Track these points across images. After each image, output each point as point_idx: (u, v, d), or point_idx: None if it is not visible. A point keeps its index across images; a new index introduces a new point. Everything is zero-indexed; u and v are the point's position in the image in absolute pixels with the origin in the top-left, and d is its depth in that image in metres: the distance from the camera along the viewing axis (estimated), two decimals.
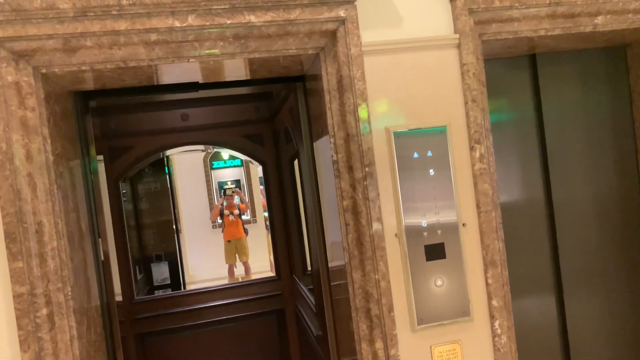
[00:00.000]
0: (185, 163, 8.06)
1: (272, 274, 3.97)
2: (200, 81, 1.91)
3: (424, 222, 1.66)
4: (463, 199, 1.70)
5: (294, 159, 3.07)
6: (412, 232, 1.65)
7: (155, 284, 4.98)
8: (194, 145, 3.88)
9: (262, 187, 7.61)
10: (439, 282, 1.66)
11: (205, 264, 7.79)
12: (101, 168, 2.12)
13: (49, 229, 1.45)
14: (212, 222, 8.02)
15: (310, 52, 1.64)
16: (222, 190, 7.61)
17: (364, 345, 1.65)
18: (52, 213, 1.46)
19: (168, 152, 4.04)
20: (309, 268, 2.85)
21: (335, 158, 1.64)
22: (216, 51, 1.56)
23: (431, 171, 1.66)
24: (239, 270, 7.37)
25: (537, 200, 2.07)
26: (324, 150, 1.77)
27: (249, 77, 1.91)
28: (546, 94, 2.05)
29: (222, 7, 1.49)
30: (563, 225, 2.06)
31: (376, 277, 1.62)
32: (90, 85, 1.73)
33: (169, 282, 5.07)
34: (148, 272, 4.95)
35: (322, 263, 2.05)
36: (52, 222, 1.46)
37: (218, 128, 3.62)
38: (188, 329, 3.61)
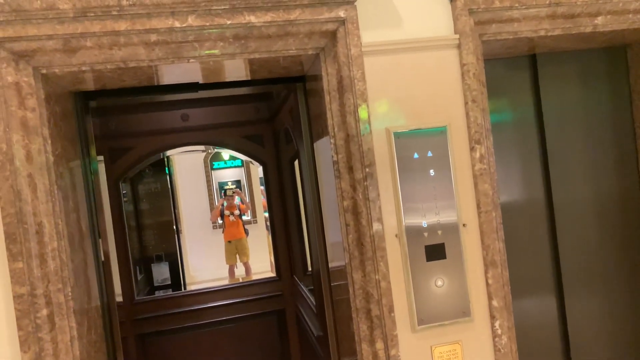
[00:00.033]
0: (186, 163, 8.05)
1: (272, 274, 3.97)
2: (200, 81, 1.91)
3: (424, 223, 1.66)
4: (463, 199, 1.70)
5: (294, 160, 3.07)
6: (413, 233, 1.65)
7: (155, 284, 4.98)
8: (194, 146, 3.88)
9: (262, 187, 7.62)
10: (439, 283, 1.66)
11: (205, 265, 7.77)
12: (101, 168, 2.12)
13: (49, 229, 1.45)
14: (213, 223, 8.01)
15: (310, 52, 1.64)
16: (223, 191, 7.59)
17: (364, 345, 1.65)
18: (52, 214, 1.46)
19: (168, 153, 4.03)
20: (310, 268, 2.84)
21: (335, 158, 1.64)
22: (216, 51, 1.56)
23: (431, 171, 1.66)
24: (240, 271, 7.36)
25: (537, 200, 2.07)
26: (324, 150, 1.77)
27: (249, 78, 1.91)
28: (546, 94, 2.05)
29: (222, 7, 1.49)
30: (563, 225, 2.06)
31: (376, 277, 1.62)
32: (90, 85, 1.73)
33: (169, 282, 5.08)
34: (148, 273, 4.96)
35: (322, 263, 2.05)
36: (52, 223, 1.46)
37: (218, 128, 3.62)
38: (188, 329, 3.61)
